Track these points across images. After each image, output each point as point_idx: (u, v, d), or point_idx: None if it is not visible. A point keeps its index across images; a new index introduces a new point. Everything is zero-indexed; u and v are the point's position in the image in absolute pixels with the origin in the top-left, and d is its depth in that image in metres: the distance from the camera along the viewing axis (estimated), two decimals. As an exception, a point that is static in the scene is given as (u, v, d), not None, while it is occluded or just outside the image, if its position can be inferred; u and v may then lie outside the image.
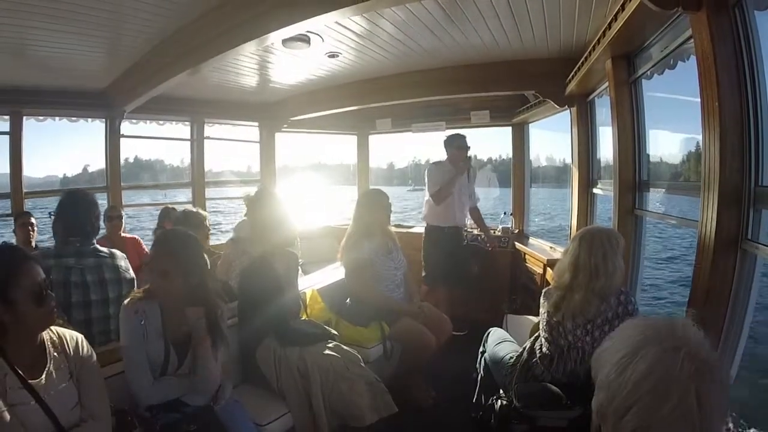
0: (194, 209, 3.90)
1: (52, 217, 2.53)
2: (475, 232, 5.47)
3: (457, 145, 4.76)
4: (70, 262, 2.34)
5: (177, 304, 2.06)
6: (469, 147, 4.81)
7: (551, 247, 4.85)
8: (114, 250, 2.58)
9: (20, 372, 1.52)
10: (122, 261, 2.58)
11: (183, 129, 5.97)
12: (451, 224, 4.84)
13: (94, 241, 2.52)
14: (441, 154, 4.91)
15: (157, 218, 4.56)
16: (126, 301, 2.07)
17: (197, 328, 2.06)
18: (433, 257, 4.82)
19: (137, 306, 2.03)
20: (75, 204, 2.51)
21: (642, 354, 0.90)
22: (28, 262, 1.60)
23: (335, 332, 2.99)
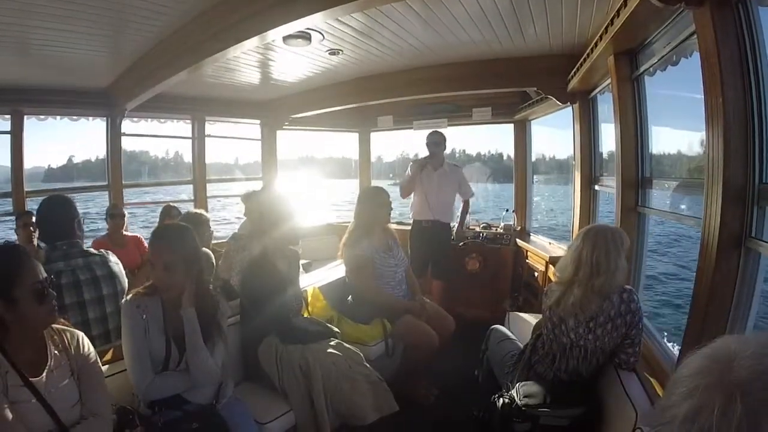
0: (197, 210, 3.90)
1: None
2: (477, 229, 5.51)
3: (428, 141, 5.00)
4: (60, 266, 2.33)
5: (178, 299, 2.08)
6: (439, 142, 4.98)
7: (550, 243, 4.88)
8: (103, 251, 2.58)
9: (21, 370, 1.53)
10: (112, 257, 2.58)
11: (184, 127, 5.97)
12: (428, 218, 4.96)
13: (81, 242, 2.51)
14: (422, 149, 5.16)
15: (159, 216, 4.57)
16: (128, 297, 2.08)
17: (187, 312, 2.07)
18: (412, 251, 4.94)
19: (139, 301, 2.05)
20: (51, 210, 2.50)
21: (690, 389, 0.80)
22: (30, 260, 1.61)
23: (337, 330, 3.00)
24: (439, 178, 4.95)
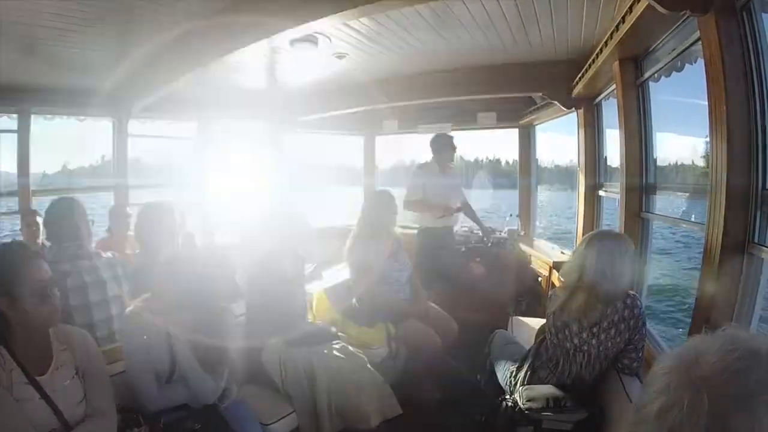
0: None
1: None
2: (480, 233, 5.49)
3: (448, 145, 4.86)
4: (66, 267, 2.34)
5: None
6: (456, 147, 4.89)
7: (552, 248, 4.87)
8: (110, 253, 2.59)
9: (26, 367, 1.54)
10: (119, 259, 2.59)
11: (189, 128, 5.99)
12: (446, 224, 4.89)
13: (89, 244, 2.54)
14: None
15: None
16: (128, 314, 2.05)
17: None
18: (429, 259, 4.77)
19: (139, 321, 2.01)
20: (60, 211, 2.51)
21: (661, 387, 0.81)
22: (36, 259, 1.62)
23: (341, 334, 3.01)
24: (450, 184, 4.93)
